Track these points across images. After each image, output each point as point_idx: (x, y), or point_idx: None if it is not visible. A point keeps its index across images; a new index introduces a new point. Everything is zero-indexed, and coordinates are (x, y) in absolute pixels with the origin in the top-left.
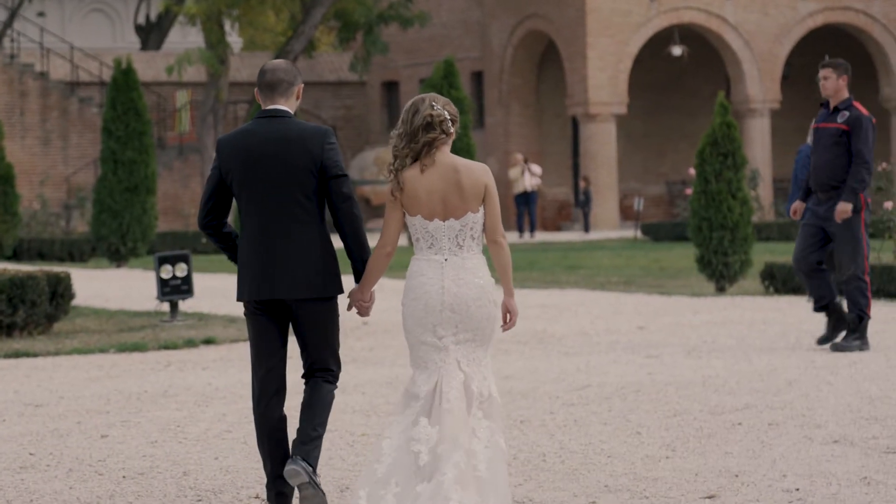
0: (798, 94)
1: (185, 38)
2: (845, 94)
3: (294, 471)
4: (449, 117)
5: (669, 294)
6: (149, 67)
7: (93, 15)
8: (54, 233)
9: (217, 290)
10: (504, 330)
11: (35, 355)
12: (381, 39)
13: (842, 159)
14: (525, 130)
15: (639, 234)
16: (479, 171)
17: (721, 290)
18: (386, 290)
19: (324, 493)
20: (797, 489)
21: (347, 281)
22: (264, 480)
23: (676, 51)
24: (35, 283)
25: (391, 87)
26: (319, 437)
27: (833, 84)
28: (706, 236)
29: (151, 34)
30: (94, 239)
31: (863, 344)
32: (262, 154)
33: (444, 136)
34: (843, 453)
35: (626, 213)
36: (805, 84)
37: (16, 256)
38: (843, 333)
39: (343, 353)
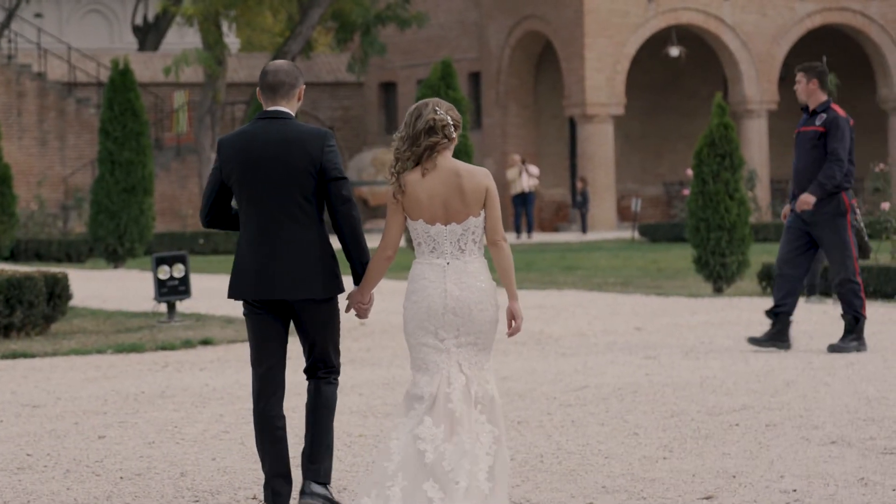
0: (795, 95)
1: (182, 38)
2: (821, 98)
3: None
4: (451, 122)
5: (667, 295)
6: (146, 68)
7: (90, 16)
8: (52, 233)
9: (214, 291)
10: (509, 335)
11: (32, 356)
12: (379, 40)
13: (821, 162)
14: (522, 131)
15: (636, 234)
16: (480, 176)
17: (718, 290)
18: (384, 292)
19: None
20: (794, 490)
21: (347, 282)
22: (261, 481)
23: (674, 52)
24: (32, 284)
25: (388, 88)
26: (329, 448)
27: (803, 88)
28: (704, 237)
29: (149, 35)
30: (92, 240)
31: (860, 345)
32: (261, 155)
33: (446, 140)
34: (841, 454)
35: (624, 214)
36: None
37: (13, 257)
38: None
39: (341, 353)
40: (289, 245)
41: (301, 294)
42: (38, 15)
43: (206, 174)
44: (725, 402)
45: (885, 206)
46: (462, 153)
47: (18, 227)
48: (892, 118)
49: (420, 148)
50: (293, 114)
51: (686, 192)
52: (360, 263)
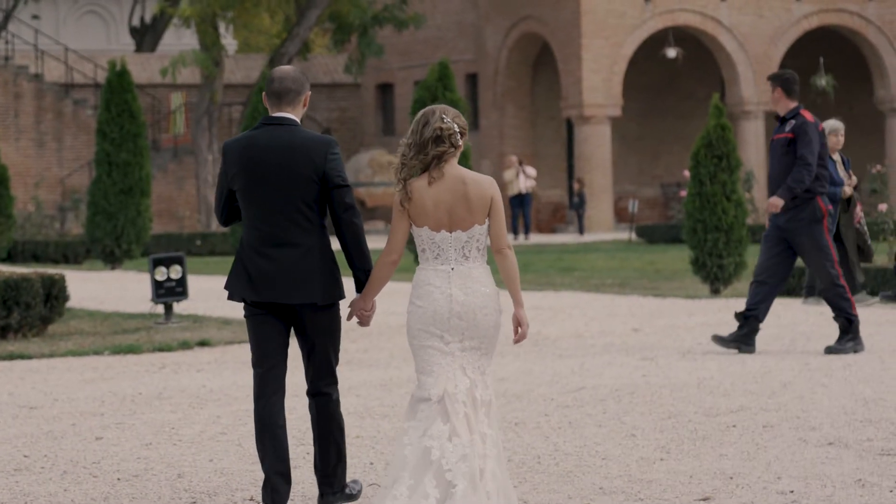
0: None
1: (179, 40)
2: (790, 105)
3: None
4: (458, 130)
5: (664, 296)
6: (143, 69)
7: (87, 17)
8: (49, 235)
9: (212, 292)
10: (515, 342)
11: (29, 357)
12: (376, 41)
13: (792, 168)
14: (520, 132)
15: (633, 236)
16: (485, 184)
17: (716, 292)
18: (381, 294)
19: None
20: (792, 491)
21: (348, 285)
22: (259, 482)
23: (671, 53)
24: (29, 286)
25: (386, 90)
26: (342, 460)
27: (772, 97)
28: (701, 238)
29: (146, 36)
30: (89, 241)
31: (856, 344)
32: (265, 161)
33: (453, 149)
34: (838, 455)
35: (621, 216)
36: (800, 86)
37: (10, 258)
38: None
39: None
40: (290, 250)
41: (301, 298)
42: (35, 17)
43: (204, 175)
44: (723, 403)
45: (883, 207)
46: (460, 154)
47: (15, 229)
48: (889, 119)
49: (428, 157)
50: (298, 120)
51: (683, 193)
52: (362, 270)
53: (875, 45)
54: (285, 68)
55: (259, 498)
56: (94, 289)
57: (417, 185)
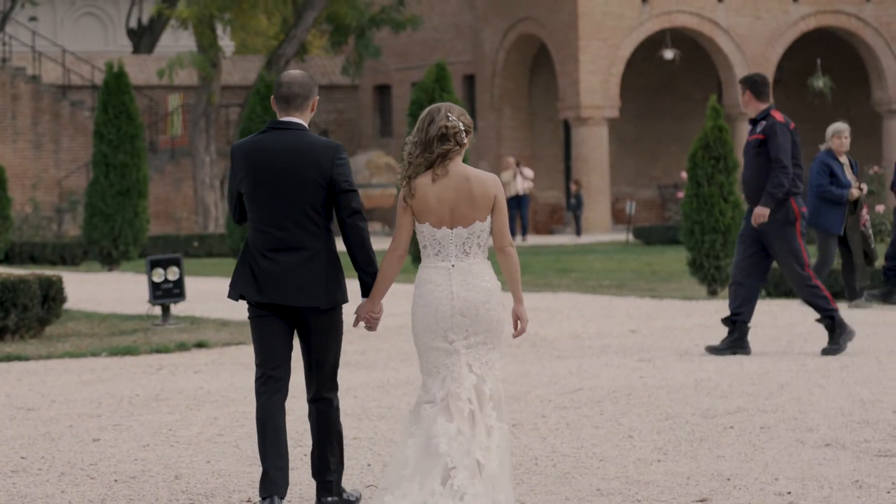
0: (790, 98)
1: (176, 41)
2: (760, 106)
3: None
4: (463, 128)
5: (661, 297)
6: (141, 71)
7: (85, 18)
8: (46, 236)
9: (209, 294)
10: (515, 336)
11: (27, 359)
12: (373, 43)
13: (764, 169)
14: (517, 134)
15: (631, 237)
16: (489, 182)
17: (713, 293)
18: None
19: None
20: (789, 492)
21: (352, 290)
22: (256, 484)
23: (668, 54)
24: (27, 287)
25: (383, 91)
26: (341, 467)
27: (741, 100)
28: (698, 240)
29: (143, 38)
30: (86, 242)
31: (847, 335)
32: (273, 165)
33: (458, 147)
34: (835, 457)
35: (618, 217)
36: (797, 88)
37: (7, 260)
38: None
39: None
40: (296, 253)
41: (305, 301)
42: (32, 19)
43: (201, 177)
44: (720, 404)
45: (880, 208)
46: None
47: (13, 230)
48: (886, 121)
49: (433, 155)
50: (306, 125)
51: (680, 194)
52: (367, 274)
53: (872, 47)
54: (293, 73)
55: (257, 499)
56: (91, 290)
57: (421, 182)
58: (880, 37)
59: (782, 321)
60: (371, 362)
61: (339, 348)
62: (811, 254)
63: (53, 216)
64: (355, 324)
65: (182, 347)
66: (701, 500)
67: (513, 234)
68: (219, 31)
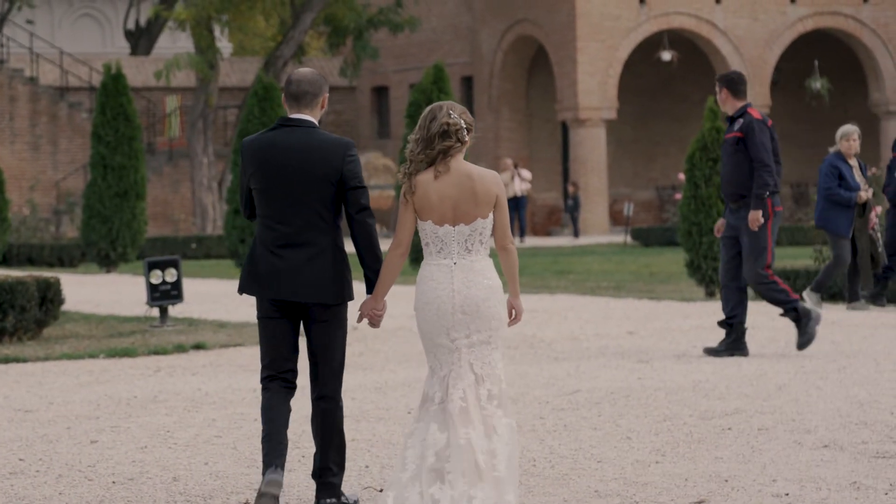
0: (787, 99)
1: (174, 43)
2: (737, 104)
3: None
4: (465, 126)
5: (659, 299)
6: (138, 72)
7: (82, 20)
8: (44, 238)
9: (207, 296)
10: (509, 325)
11: (25, 361)
12: (371, 44)
13: (743, 167)
14: (515, 135)
15: (628, 239)
16: (491, 180)
17: (711, 294)
18: None
19: None
20: (787, 494)
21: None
22: (254, 485)
23: (666, 56)
24: (25, 289)
25: (381, 93)
26: (342, 469)
27: (718, 98)
28: (696, 241)
29: (141, 39)
30: (84, 244)
31: (815, 322)
32: (283, 162)
33: (459, 144)
34: (833, 458)
35: (616, 218)
36: (794, 89)
37: (5, 262)
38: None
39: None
40: (305, 250)
41: (311, 297)
42: (29, 21)
43: (199, 179)
44: (718, 406)
45: (878, 209)
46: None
47: (10, 232)
48: (883, 122)
49: (434, 151)
50: (316, 122)
51: (678, 196)
52: (373, 271)
53: (870, 48)
54: (303, 71)
55: (254, 501)
56: (89, 292)
57: (423, 179)
58: (878, 38)
59: (780, 323)
60: (369, 364)
61: (344, 345)
62: (825, 255)
63: (51, 218)
64: (359, 320)
65: (180, 349)
66: (699, 502)
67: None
68: (216, 32)
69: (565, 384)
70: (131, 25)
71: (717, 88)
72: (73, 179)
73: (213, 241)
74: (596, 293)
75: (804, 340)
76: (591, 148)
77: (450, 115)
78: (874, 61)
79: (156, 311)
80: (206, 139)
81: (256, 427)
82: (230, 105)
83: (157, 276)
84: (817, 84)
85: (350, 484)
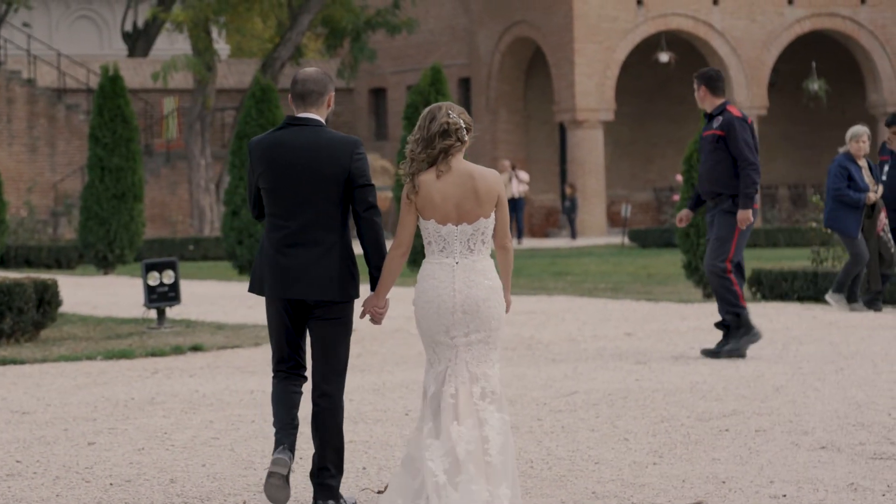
0: (785, 101)
1: (172, 44)
2: (716, 101)
3: None
4: (464, 126)
5: (657, 300)
6: (136, 74)
7: (80, 22)
8: (41, 240)
9: (204, 297)
10: None
11: (22, 362)
12: (369, 46)
13: (722, 164)
14: (512, 137)
15: (626, 240)
16: (492, 179)
17: (709, 296)
18: None
19: None
20: (784, 495)
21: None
22: (252, 486)
23: (664, 57)
24: (22, 291)
25: (379, 94)
26: (340, 471)
27: (697, 95)
28: (693, 242)
29: (138, 41)
30: (82, 246)
31: (751, 336)
32: (291, 161)
33: (459, 143)
34: (831, 459)
35: (614, 220)
36: (792, 90)
37: (3, 263)
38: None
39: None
40: (313, 248)
41: (318, 295)
42: (25, 24)
43: (196, 180)
44: (715, 407)
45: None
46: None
47: (8, 234)
48: (881, 123)
49: (435, 150)
50: (323, 120)
51: (676, 197)
52: (377, 268)
53: (867, 50)
54: (308, 70)
55: (252, 502)
56: (86, 294)
57: (425, 178)
58: (875, 39)
59: (777, 324)
60: (366, 366)
61: (348, 344)
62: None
63: (49, 220)
64: (361, 316)
65: (177, 351)
66: (696, 503)
67: None
68: (214, 34)
69: (563, 386)
70: (129, 27)
71: (696, 86)
72: (70, 181)
73: (210, 242)
74: (593, 295)
75: (730, 349)
76: (589, 149)
77: (449, 114)
78: (872, 63)
79: (153, 313)
80: (204, 141)
81: (254, 429)
82: (228, 107)
83: (154, 278)
84: (815, 85)
85: (347, 486)
